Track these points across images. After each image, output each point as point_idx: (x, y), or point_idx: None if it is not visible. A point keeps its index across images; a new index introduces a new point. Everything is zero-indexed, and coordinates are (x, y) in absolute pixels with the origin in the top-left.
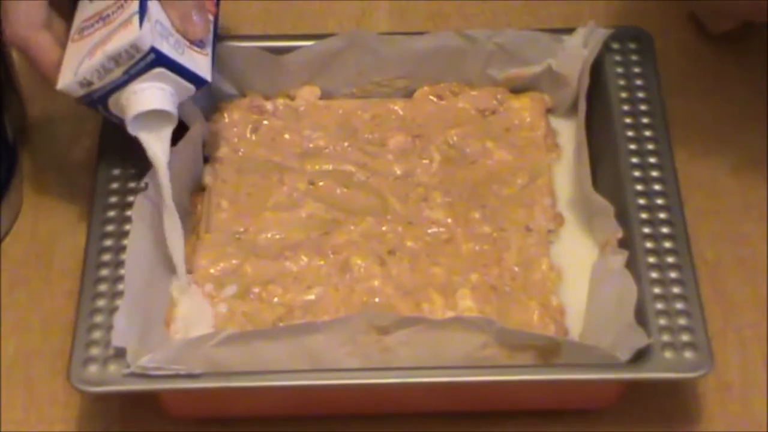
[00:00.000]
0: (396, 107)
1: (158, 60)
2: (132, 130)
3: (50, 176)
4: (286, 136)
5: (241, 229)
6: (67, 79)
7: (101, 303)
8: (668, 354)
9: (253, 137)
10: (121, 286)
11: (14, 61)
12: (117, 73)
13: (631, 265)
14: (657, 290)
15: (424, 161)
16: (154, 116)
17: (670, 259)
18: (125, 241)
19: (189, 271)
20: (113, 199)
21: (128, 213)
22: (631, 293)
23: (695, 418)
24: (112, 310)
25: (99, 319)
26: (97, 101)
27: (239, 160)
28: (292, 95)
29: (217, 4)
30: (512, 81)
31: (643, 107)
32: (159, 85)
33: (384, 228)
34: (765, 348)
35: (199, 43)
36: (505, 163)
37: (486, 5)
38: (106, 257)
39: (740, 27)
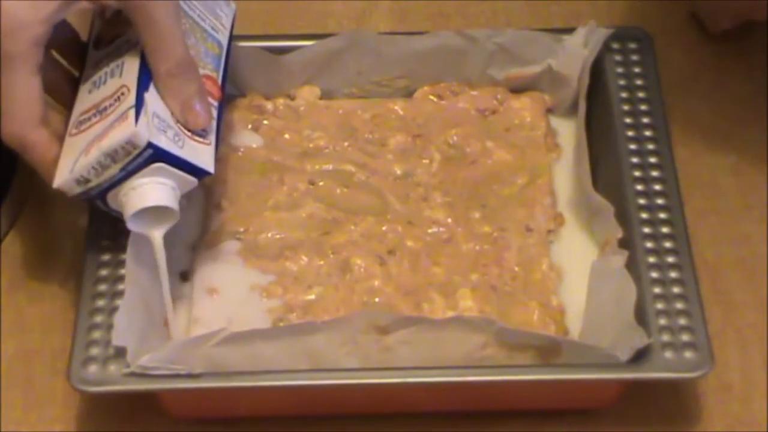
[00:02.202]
0: (396, 107)
1: (156, 155)
2: (132, 226)
3: None
4: (286, 136)
5: (241, 229)
6: (63, 177)
7: (101, 303)
8: (668, 354)
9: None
10: (121, 286)
11: None
12: (114, 169)
13: (631, 265)
14: (657, 290)
15: (424, 161)
16: (155, 212)
17: (670, 259)
18: (125, 241)
19: (190, 273)
20: None
21: None
22: (630, 293)
23: (695, 418)
24: (112, 310)
25: (99, 319)
26: (95, 197)
27: (239, 159)
28: (292, 95)
29: (223, 88)
30: (512, 81)
31: (643, 107)
32: (158, 180)
33: (384, 228)
34: (765, 348)
35: (201, 132)
36: (505, 163)
37: (486, 5)
38: (106, 257)
39: (740, 26)
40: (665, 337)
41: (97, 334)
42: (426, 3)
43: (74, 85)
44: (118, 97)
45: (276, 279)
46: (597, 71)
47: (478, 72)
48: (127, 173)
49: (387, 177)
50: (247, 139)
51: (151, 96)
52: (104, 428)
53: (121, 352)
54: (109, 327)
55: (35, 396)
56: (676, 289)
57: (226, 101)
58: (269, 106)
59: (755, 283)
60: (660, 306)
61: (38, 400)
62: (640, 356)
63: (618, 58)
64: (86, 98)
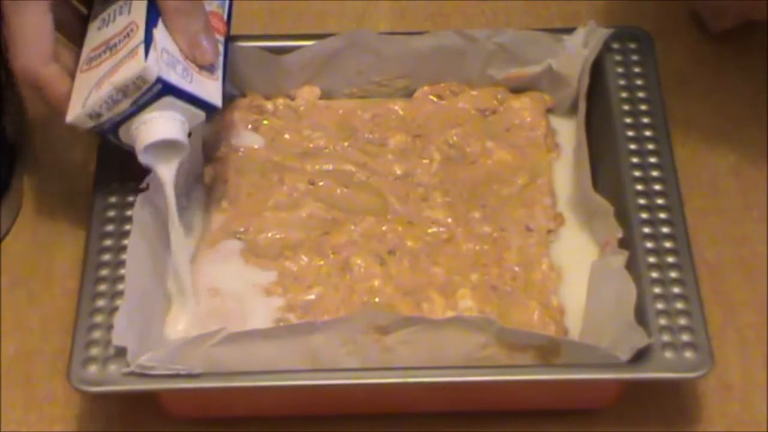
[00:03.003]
0: (396, 107)
1: (166, 89)
2: (143, 159)
3: (50, 176)
4: (286, 136)
5: (241, 229)
6: (75, 112)
7: (101, 303)
8: (668, 354)
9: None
10: (121, 286)
11: None
12: (125, 104)
13: (631, 265)
14: (657, 290)
15: (424, 161)
16: (165, 145)
17: (670, 259)
18: (125, 241)
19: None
20: (113, 199)
21: (128, 213)
22: (630, 293)
23: (695, 418)
24: (112, 310)
25: (99, 319)
26: (107, 131)
27: (239, 159)
28: (292, 95)
29: (228, 23)
30: (512, 81)
31: (643, 107)
32: (168, 114)
33: (384, 228)
34: (765, 348)
35: (209, 68)
36: (505, 163)
37: (486, 5)
38: (106, 257)
39: (740, 26)
40: (665, 337)
41: (97, 334)
42: (426, 3)
43: (84, 22)
44: (128, 34)
45: (276, 279)
46: (597, 71)
47: (478, 72)
48: (138, 107)
49: (387, 177)
50: (247, 139)
51: (159, 32)
52: (104, 428)
53: (121, 352)
54: (109, 327)
55: (35, 396)
56: (676, 289)
57: (230, 39)
58: (269, 106)
59: (755, 283)
60: (660, 306)
61: (38, 400)
62: (640, 356)
63: (618, 58)
64: (96, 35)
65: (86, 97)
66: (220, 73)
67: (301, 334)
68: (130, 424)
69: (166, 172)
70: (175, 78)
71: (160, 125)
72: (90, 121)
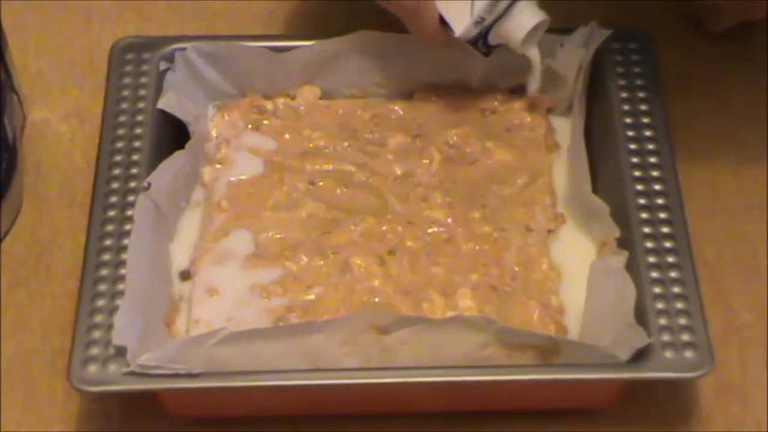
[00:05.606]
0: (396, 107)
1: None
2: (522, 49)
3: (50, 176)
4: (286, 135)
5: (241, 229)
6: (463, 24)
7: (101, 303)
8: (668, 354)
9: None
10: (121, 286)
11: (14, 61)
12: (504, 3)
13: (631, 265)
14: (657, 290)
15: (424, 161)
16: (532, 30)
17: (670, 259)
18: (125, 241)
19: (191, 273)
20: (113, 199)
21: (128, 213)
22: (630, 293)
23: (695, 418)
24: (112, 310)
25: (99, 319)
26: (481, 36)
27: (239, 159)
28: (292, 95)
29: None
30: (512, 81)
31: (643, 107)
32: (530, 2)
33: (384, 228)
34: (765, 348)
35: None
36: (505, 163)
37: None
38: (106, 257)
39: (740, 26)
40: (665, 337)
41: (97, 334)
42: None
43: None
44: None
45: (276, 279)
46: (597, 71)
47: (479, 73)
48: (511, 3)
49: (387, 177)
50: (247, 138)
51: None
52: (104, 428)
53: (121, 352)
54: (109, 327)
55: (35, 396)
56: (676, 289)
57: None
58: (269, 106)
59: (755, 283)
60: (660, 306)
61: (38, 400)
62: (640, 356)
63: (618, 58)
64: None
65: (471, 8)
66: None
67: (301, 334)
68: (130, 424)
69: (536, 53)
70: None
71: (531, 11)
72: (474, 29)
